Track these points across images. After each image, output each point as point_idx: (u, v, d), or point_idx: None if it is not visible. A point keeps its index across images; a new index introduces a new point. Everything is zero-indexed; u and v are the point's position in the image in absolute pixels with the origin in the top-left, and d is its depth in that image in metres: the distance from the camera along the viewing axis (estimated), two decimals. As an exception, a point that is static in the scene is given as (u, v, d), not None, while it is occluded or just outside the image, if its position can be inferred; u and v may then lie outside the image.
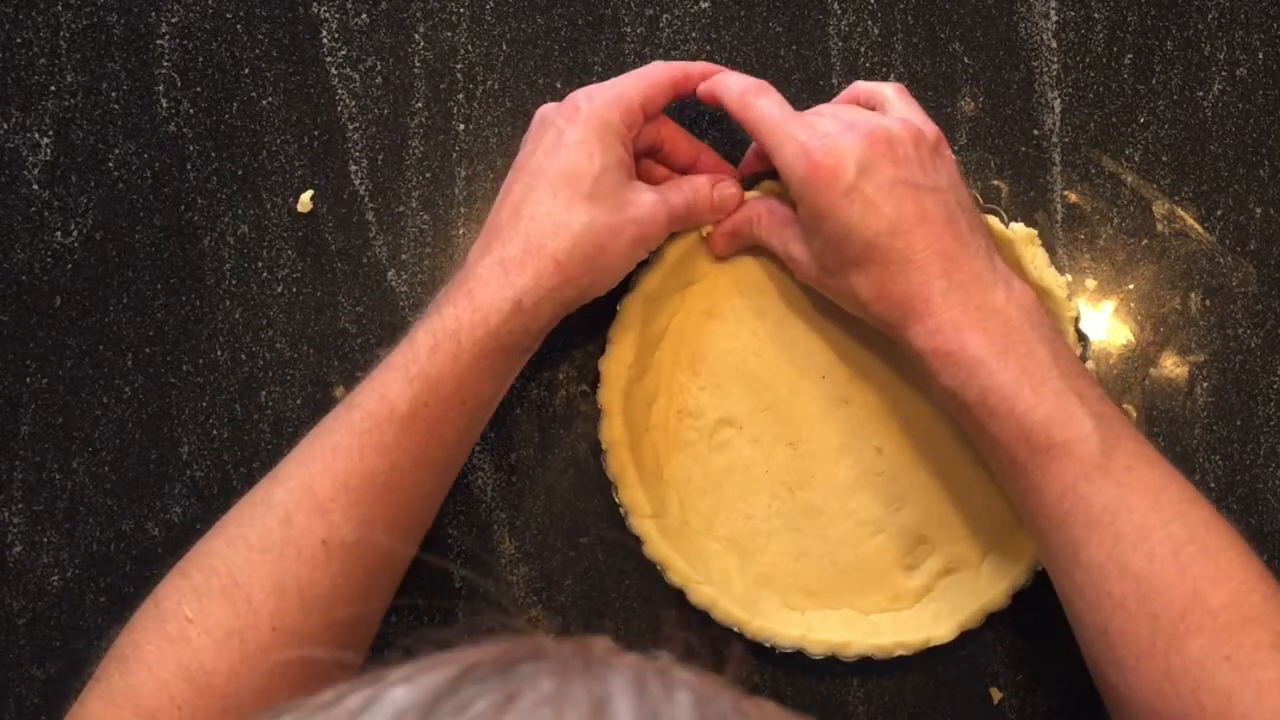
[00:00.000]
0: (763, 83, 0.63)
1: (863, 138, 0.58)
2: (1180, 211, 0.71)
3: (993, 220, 0.66)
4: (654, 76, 0.63)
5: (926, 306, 0.57)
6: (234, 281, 0.70)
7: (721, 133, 0.71)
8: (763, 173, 0.68)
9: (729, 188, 0.66)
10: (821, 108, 0.64)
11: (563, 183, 0.60)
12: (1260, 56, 0.72)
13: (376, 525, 0.56)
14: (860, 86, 0.66)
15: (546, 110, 0.64)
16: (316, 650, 0.54)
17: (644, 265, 0.66)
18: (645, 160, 0.67)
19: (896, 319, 0.59)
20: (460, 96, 0.72)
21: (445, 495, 0.61)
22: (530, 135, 0.64)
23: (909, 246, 0.57)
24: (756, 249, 0.68)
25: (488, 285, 0.59)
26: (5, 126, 0.71)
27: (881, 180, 0.58)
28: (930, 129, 0.61)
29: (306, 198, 0.71)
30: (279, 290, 0.70)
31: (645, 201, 0.62)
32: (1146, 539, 0.53)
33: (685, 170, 0.67)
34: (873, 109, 0.64)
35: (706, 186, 0.65)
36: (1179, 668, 0.51)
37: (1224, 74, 0.72)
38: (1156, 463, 0.56)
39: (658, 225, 0.62)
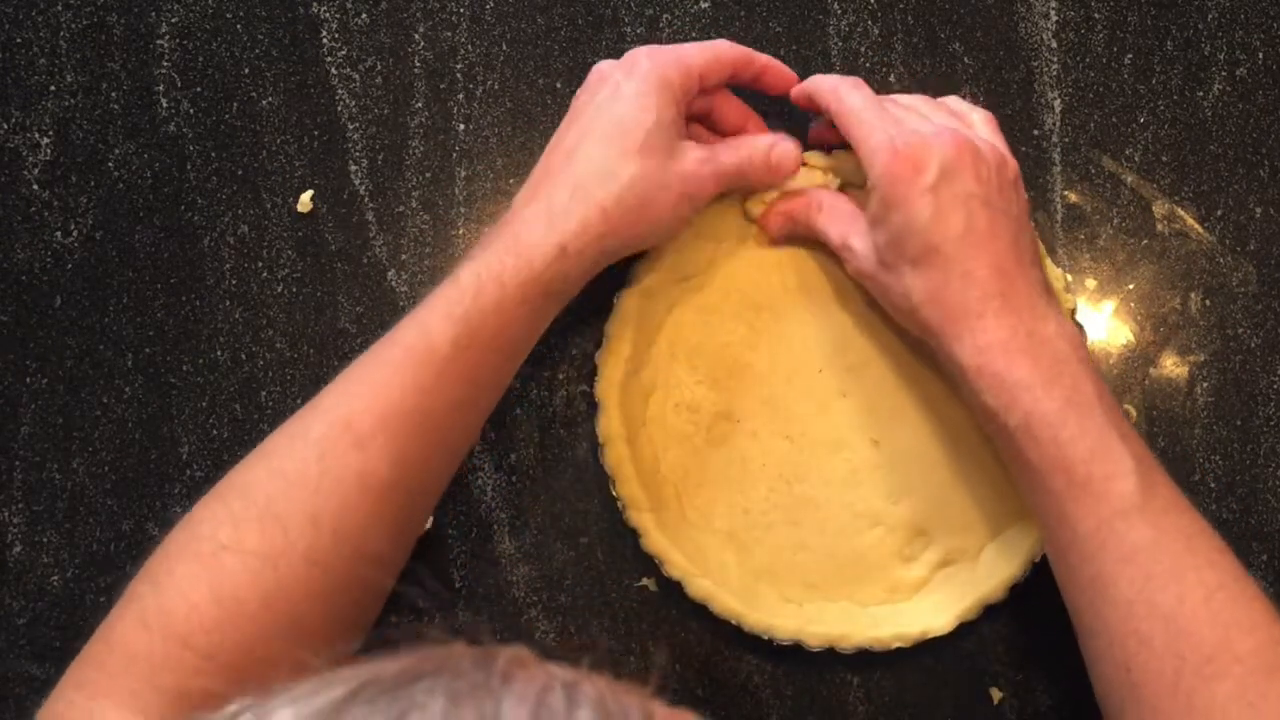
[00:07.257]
0: (857, 79, 0.63)
1: (951, 144, 0.58)
2: (1180, 211, 0.71)
3: None
4: (719, 51, 0.63)
5: (979, 322, 0.57)
6: (234, 281, 0.70)
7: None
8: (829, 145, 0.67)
9: (787, 149, 0.65)
10: (912, 99, 0.64)
11: (616, 133, 0.60)
12: (1260, 56, 0.72)
13: (411, 464, 0.56)
14: (952, 101, 0.65)
15: (603, 65, 0.63)
16: (342, 588, 0.54)
17: (641, 259, 0.66)
18: (694, 125, 0.66)
19: (944, 328, 0.58)
20: (460, 96, 0.72)
21: (472, 443, 0.61)
22: (586, 88, 0.64)
23: (973, 259, 0.57)
24: (755, 245, 0.68)
25: (533, 230, 0.58)
26: (5, 126, 0.71)
27: (960, 189, 0.58)
28: (1014, 162, 0.61)
29: (306, 198, 0.71)
30: (279, 290, 0.70)
31: (693, 159, 0.61)
32: (1179, 581, 0.53)
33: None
34: None
35: (764, 147, 0.64)
36: (1201, 710, 0.51)
37: (1224, 74, 0.72)
38: (1190, 511, 0.56)
39: (704, 184, 0.62)
